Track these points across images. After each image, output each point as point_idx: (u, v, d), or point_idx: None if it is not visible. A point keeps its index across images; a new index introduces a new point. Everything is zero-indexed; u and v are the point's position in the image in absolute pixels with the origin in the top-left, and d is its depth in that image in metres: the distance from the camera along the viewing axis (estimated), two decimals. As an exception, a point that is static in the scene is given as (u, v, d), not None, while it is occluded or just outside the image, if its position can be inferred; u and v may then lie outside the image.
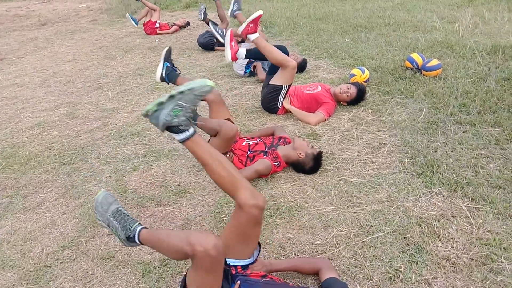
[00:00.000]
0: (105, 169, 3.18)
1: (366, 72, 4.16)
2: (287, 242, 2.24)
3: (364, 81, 4.12)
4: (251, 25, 3.59)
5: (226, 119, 3.17)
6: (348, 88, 3.70)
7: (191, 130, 1.69)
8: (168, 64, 3.25)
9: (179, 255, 1.61)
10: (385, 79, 4.20)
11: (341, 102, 3.79)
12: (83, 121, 4.12)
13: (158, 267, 2.16)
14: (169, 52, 3.32)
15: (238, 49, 3.69)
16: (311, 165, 2.78)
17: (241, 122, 3.70)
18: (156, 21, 7.69)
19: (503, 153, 2.82)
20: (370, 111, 3.67)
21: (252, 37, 3.61)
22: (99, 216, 1.83)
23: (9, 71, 6.37)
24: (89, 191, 2.93)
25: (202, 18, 6.53)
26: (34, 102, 4.83)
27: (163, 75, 3.20)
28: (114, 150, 3.45)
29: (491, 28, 5.67)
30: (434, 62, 4.17)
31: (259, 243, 1.89)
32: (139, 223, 1.79)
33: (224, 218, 2.48)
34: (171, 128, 1.65)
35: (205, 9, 6.49)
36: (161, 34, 7.70)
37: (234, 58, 3.71)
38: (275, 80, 3.68)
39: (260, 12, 3.67)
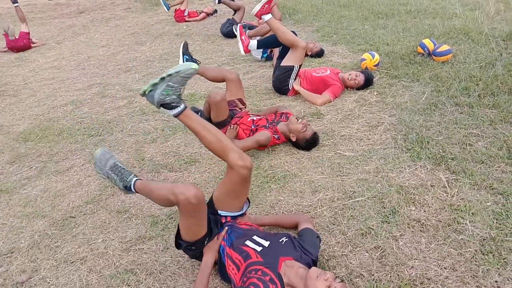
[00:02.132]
0: (127, 141, 3.55)
1: (376, 56, 4.32)
2: (277, 203, 2.52)
3: (374, 65, 4.29)
4: (266, 5, 3.83)
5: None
6: (356, 76, 3.88)
7: (182, 105, 1.94)
8: (187, 57, 3.51)
9: (166, 203, 1.91)
10: (395, 64, 4.35)
11: (348, 88, 3.98)
12: (111, 100, 4.53)
13: (165, 220, 2.50)
14: (185, 47, 3.54)
15: (249, 42, 3.94)
16: (303, 146, 3.03)
17: (252, 102, 3.98)
18: (185, 9, 8.03)
19: (494, 132, 2.95)
20: (375, 93, 3.85)
21: (266, 17, 3.85)
22: (99, 170, 2.13)
23: (48, 55, 6.91)
24: (112, 158, 3.30)
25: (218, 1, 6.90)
26: (69, 83, 5.29)
27: None
28: (137, 125, 3.82)
29: (513, 15, 5.63)
30: (444, 47, 4.27)
31: (248, 199, 2.18)
32: (134, 175, 2.09)
33: (226, 183, 2.78)
34: (165, 105, 1.91)
35: None
36: (189, 21, 8.02)
37: (247, 50, 3.98)
38: (286, 62, 3.92)
39: None
